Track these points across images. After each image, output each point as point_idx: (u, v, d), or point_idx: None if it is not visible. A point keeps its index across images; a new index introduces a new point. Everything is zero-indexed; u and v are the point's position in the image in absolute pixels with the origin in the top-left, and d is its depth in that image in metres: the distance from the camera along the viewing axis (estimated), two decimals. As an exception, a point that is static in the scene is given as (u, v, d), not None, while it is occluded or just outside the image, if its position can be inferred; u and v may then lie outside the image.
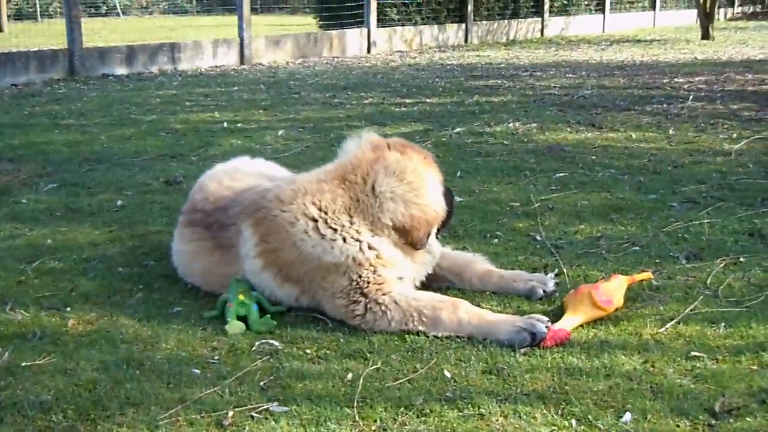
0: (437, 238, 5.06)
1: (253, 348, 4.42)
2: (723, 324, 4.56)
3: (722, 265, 5.49)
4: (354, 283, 4.66)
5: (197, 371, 4.16)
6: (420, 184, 4.77)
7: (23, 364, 4.25)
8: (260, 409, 3.78)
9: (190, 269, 5.33)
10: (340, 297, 4.68)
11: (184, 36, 21.88)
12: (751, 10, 46.13)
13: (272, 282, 4.87)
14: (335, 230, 4.69)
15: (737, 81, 15.56)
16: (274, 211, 4.85)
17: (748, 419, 3.60)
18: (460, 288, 5.18)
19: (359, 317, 4.62)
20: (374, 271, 4.68)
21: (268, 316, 4.75)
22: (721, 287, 5.10)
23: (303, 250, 4.72)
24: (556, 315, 4.67)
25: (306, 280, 4.79)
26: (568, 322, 4.51)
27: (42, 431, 3.64)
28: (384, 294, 4.62)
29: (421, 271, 4.97)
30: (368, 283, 4.65)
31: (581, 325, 4.57)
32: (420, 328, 4.52)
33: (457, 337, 4.47)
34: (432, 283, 5.13)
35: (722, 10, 40.00)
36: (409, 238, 4.77)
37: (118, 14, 37.49)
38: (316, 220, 4.72)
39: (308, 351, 4.39)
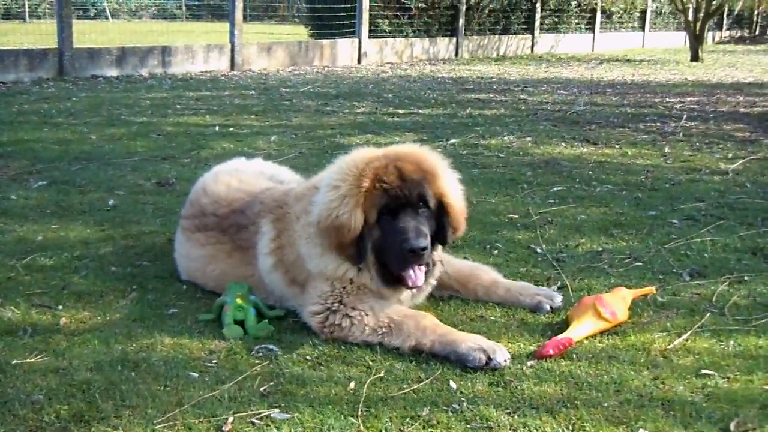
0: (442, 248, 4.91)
1: (252, 352, 4.29)
2: (732, 342, 4.47)
3: (726, 283, 5.40)
4: (336, 291, 4.54)
5: (195, 374, 4.03)
6: None
7: (14, 361, 4.11)
8: (261, 415, 3.65)
9: (204, 273, 5.17)
10: (316, 304, 4.54)
11: (173, 40, 21.72)
12: (739, 34, 46.47)
13: (282, 279, 4.77)
14: None
15: (729, 102, 15.58)
16: (290, 207, 4.83)
17: (764, 440, 3.51)
18: (464, 298, 5.07)
19: (335, 327, 4.45)
20: (352, 282, 4.57)
21: (266, 321, 4.62)
22: (728, 305, 5.00)
23: (299, 251, 4.66)
24: (561, 328, 4.56)
25: (303, 283, 4.69)
26: (574, 333, 4.42)
27: (33, 431, 3.50)
28: (362, 302, 4.50)
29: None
30: (348, 293, 4.53)
31: (587, 339, 4.47)
32: (387, 338, 4.35)
33: (420, 353, 4.29)
34: (437, 291, 5.01)
35: (710, 33, 40.19)
36: None
37: (107, 17, 37.38)
38: None
39: (308, 357, 4.26)
